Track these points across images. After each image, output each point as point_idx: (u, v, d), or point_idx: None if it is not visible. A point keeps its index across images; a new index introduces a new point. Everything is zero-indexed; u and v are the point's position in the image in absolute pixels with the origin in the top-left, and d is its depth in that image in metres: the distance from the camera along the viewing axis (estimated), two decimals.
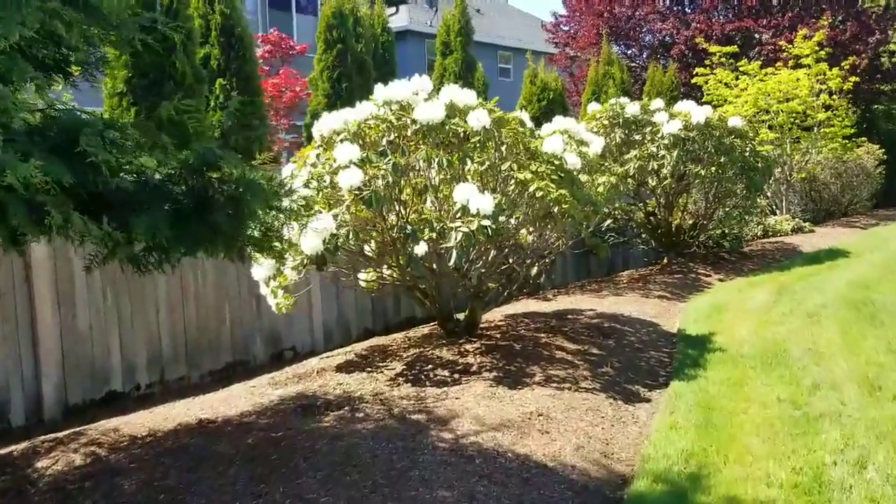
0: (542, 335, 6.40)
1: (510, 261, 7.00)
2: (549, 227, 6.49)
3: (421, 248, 5.19)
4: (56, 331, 5.49)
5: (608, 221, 10.61)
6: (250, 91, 9.91)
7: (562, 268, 10.38)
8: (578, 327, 6.81)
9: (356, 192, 5.12)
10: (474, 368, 5.49)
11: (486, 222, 4.99)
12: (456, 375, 5.37)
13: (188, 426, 4.70)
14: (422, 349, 6.10)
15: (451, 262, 5.02)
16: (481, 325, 6.78)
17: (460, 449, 4.09)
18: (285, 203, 4.02)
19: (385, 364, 5.76)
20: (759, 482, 3.88)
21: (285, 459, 3.97)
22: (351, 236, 5.22)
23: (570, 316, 7.36)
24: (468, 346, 5.98)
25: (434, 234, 5.13)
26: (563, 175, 5.79)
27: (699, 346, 6.47)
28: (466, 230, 5.00)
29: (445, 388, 5.08)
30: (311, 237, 5.10)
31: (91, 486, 3.87)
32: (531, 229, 6.71)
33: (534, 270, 8.32)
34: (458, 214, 5.19)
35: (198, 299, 6.37)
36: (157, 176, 3.69)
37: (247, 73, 9.97)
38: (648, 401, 5.25)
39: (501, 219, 5.27)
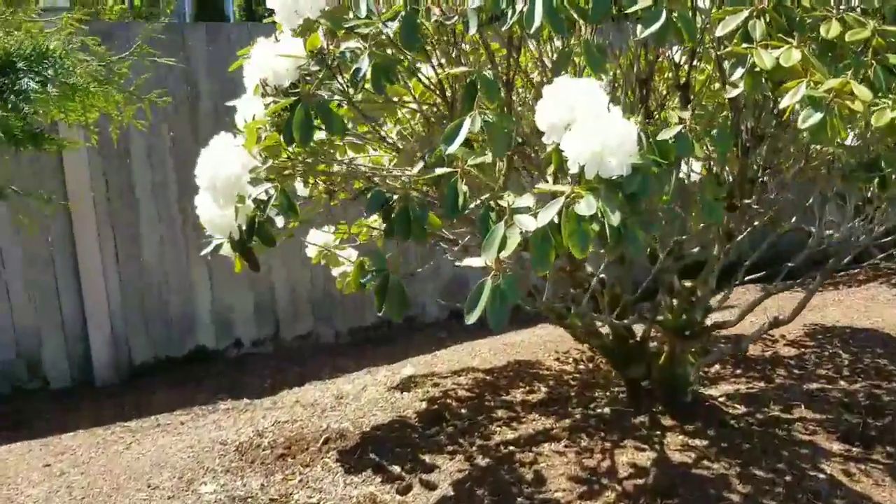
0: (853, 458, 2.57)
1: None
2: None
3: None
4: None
5: None
6: None
7: None
8: None
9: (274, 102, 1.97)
10: None
11: (585, 209, 1.50)
12: None
13: None
14: (547, 427, 2.78)
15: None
16: (737, 363, 3.15)
17: None
18: None
19: (443, 460, 2.64)
20: None
21: None
22: (276, 200, 2.08)
23: None
24: (632, 455, 2.50)
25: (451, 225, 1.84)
26: None
27: None
28: (536, 225, 1.56)
29: None
30: (205, 201, 2.19)
31: None
32: None
33: None
34: (549, 169, 1.77)
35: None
36: None
37: None
38: None
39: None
